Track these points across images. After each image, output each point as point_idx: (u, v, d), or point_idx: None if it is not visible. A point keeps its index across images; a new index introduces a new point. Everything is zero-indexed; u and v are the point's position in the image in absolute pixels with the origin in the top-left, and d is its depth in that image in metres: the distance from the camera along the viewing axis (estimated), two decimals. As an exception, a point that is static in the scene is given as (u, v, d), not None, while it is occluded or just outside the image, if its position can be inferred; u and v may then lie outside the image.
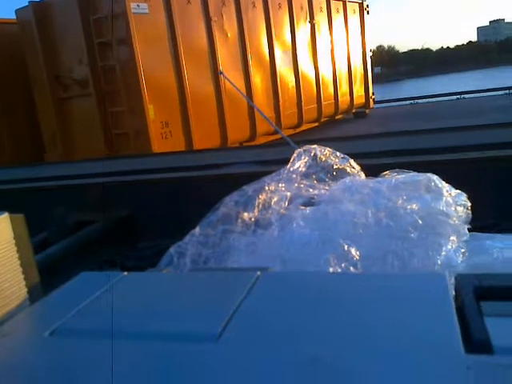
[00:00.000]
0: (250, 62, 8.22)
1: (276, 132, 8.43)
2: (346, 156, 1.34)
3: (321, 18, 10.32)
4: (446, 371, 0.48)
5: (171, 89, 6.79)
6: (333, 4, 10.65)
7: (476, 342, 0.52)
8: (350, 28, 11.33)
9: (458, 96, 13.54)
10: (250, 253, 1.06)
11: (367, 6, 12.14)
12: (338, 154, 1.33)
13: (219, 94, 7.50)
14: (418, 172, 1.33)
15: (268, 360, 0.52)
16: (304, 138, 7.57)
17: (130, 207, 3.00)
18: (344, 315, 0.61)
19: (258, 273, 0.74)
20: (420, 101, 13.82)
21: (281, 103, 8.94)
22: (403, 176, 1.24)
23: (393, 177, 1.25)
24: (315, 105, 10.19)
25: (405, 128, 7.73)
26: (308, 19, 9.92)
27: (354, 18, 11.61)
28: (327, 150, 1.32)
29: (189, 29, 7.04)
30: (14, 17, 7.14)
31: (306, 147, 1.31)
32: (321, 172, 1.28)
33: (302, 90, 9.59)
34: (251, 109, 7.98)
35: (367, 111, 11.91)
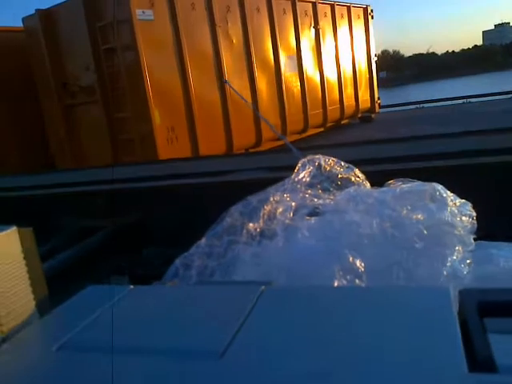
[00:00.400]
0: (255, 68, 8.25)
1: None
2: (350, 165, 1.34)
3: (325, 23, 10.35)
4: (450, 390, 0.48)
5: (177, 94, 6.83)
6: (337, 9, 10.69)
7: (479, 361, 0.52)
8: (354, 33, 11.35)
9: (464, 100, 13.51)
10: (256, 264, 1.06)
11: (372, 10, 12.16)
12: (342, 163, 1.33)
13: (225, 99, 7.53)
14: (424, 178, 1.32)
15: (271, 378, 0.53)
16: (309, 144, 7.57)
17: (137, 214, 3.00)
18: (346, 330, 0.61)
19: (262, 287, 0.74)
20: (426, 105, 13.80)
21: (286, 108, 8.96)
22: (408, 185, 1.24)
23: (397, 186, 1.25)
24: (321, 110, 10.20)
25: (410, 133, 7.73)
26: (312, 24, 9.95)
27: (358, 23, 11.64)
28: (331, 160, 1.33)
29: (194, 35, 7.08)
30: (21, 25, 7.23)
31: (310, 157, 1.32)
32: (325, 181, 1.28)
33: (307, 95, 9.61)
34: (259, 114, 8.00)
35: (373, 116, 11.90)
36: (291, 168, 1.40)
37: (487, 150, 2.54)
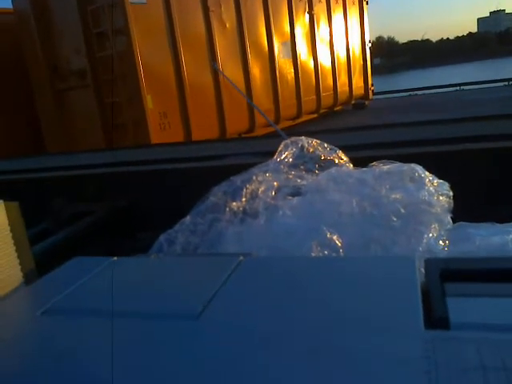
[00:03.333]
0: (249, 53, 8.20)
1: (276, 123, 8.43)
2: (333, 147, 1.37)
3: (320, 9, 10.28)
4: (405, 344, 0.51)
5: (169, 79, 6.78)
6: (332, -6, 10.61)
7: (435, 319, 0.56)
8: (349, 19, 11.29)
9: (458, 87, 13.54)
10: (238, 241, 1.09)
11: (367, -4, 12.09)
12: (325, 145, 1.36)
13: (218, 84, 7.49)
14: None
15: (242, 337, 0.56)
16: (302, 130, 7.58)
17: (129, 198, 3.02)
18: (316, 295, 0.65)
19: (241, 257, 0.78)
20: (419, 92, 13.81)
21: (280, 94, 8.93)
22: (388, 166, 1.27)
23: (378, 167, 1.28)
24: (314, 96, 10.17)
25: (403, 119, 7.74)
26: (307, 10, 9.88)
27: (353, 9, 11.57)
28: (314, 142, 1.35)
29: (187, 19, 7.01)
30: (11, 6, 7.12)
31: (294, 138, 1.34)
32: (309, 162, 1.31)
33: (301, 81, 9.57)
34: (250, 100, 7.98)
35: (366, 103, 11.90)
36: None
37: (477, 136, 2.57)
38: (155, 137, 6.41)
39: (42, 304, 0.69)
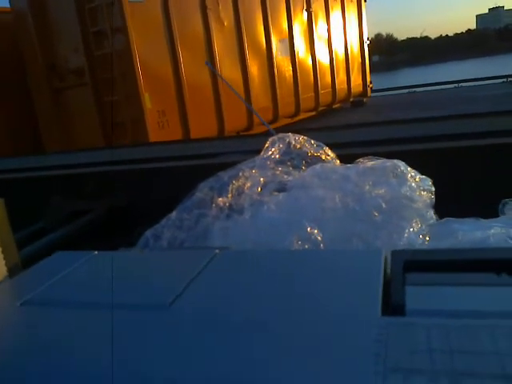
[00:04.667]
0: (247, 51, 8.22)
1: (274, 121, 8.45)
2: (320, 143, 1.40)
3: (318, 6, 10.29)
4: (359, 330, 0.54)
5: (167, 78, 6.81)
6: (330, -9, 10.62)
7: (392, 307, 0.59)
8: (347, 16, 11.30)
9: (456, 84, 13.54)
10: (223, 236, 1.12)
11: (365, -7, 12.09)
12: (312, 141, 1.39)
13: (216, 83, 7.51)
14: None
15: (213, 326, 0.59)
16: (301, 128, 7.59)
17: (127, 197, 3.03)
18: (281, 287, 0.68)
19: (217, 251, 0.81)
20: (418, 89, 13.81)
21: (278, 92, 8.96)
22: (372, 162, 1.30)
23: (362, 163, 1.30)
24: (312, 94, 10.20)
25: (401, 117, 7.76)
26: (305, 7, 9.90)
27: (351, 6, 11.58)
28: (302, 138, 1.38)
29: (184, 17, 7.03)
30: (8, 5, 7.14)
31: (281, 135, 1.37)
32: (296, 159, 1.34)
33: (299, 79, 9.60)
34: (248, 98, 8.00)
35: (365, 100, 11.92)
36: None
37: (470, 134, 2.59)
38: (153, 135, 6.44)
39: (22, 296, 0.71)
